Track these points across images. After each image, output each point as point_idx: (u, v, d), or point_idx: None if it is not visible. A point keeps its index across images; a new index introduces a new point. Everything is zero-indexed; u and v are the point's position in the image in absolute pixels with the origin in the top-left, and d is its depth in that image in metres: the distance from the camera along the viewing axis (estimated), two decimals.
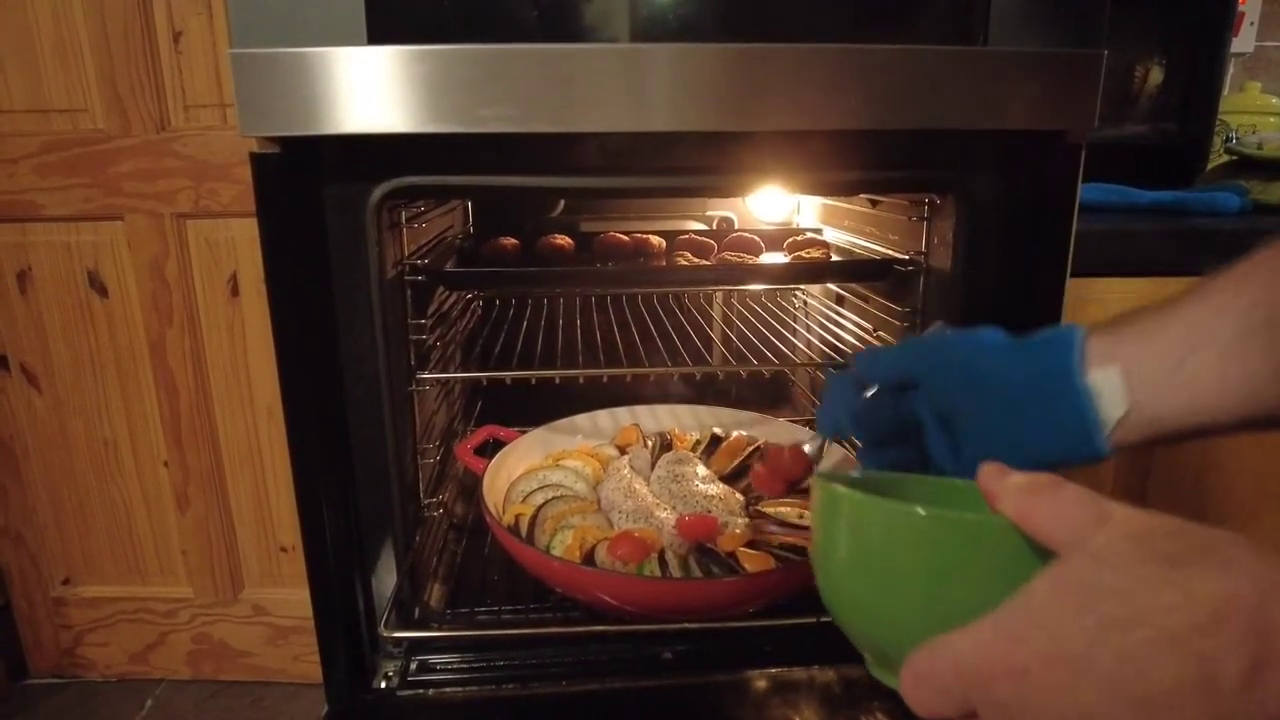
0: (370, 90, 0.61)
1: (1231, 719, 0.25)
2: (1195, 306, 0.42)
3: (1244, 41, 1.48)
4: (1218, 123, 1.23)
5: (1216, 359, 0.40)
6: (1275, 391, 0.40)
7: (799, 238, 1.15)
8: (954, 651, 0.31)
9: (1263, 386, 0.40)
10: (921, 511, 0.34)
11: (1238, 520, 1.01)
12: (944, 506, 0.34)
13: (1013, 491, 0.33)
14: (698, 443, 0.95)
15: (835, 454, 0.83)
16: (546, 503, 0.79)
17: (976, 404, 0.47)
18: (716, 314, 1.36)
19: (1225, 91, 1.28)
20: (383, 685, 0.76)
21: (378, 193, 0.68)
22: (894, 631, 0.36)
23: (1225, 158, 1.28)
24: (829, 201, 1.27)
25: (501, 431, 0.94)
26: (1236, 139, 1.32)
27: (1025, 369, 0.45)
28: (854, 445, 0.51)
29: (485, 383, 1.13)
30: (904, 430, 0.50)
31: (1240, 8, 1.42)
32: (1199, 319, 0.41)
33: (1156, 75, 1.18)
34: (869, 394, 0.50)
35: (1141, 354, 0.42)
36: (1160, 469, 1.00)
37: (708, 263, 1.08)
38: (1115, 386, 0.43)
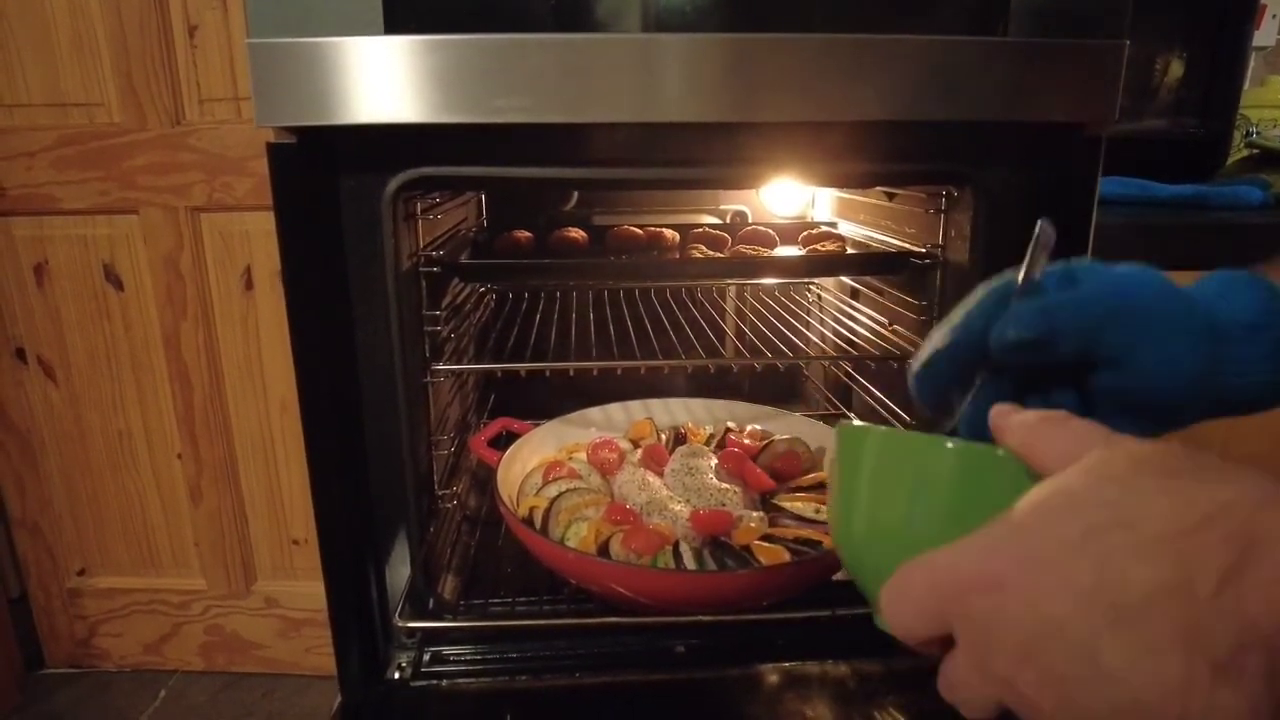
0: (386, 80, 0.61)
1: (1203, 628, 0.23)
2: None
3: (1265, 35, 1.46)
4: (1239, 116, 1.21)
5: None
6: None
7: (814, 231, 1.14)
8: (930, 565, 0.30)
9: None
10: (949, 444, 0.34)
11: None
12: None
13: (1018, 424, 0.32)
14: (711, 436, 0.95)
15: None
16: (560, 495, 0.79)
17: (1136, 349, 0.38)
18: (730, 307, 1.35)
19: (1246, 85, 1.26)
20: (396, 676, 0.76)
21: (393, 184, 0.68)
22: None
23: (1246, 152, 1.26)
24: (844, 194, 1.26)
25: (515, 424, 0.94)
26: (1257, 133, 1.31)
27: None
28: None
29: (499, 375, 1.13)
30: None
31: (1262, 1, 1.40)
32: None
33: (1177, 69, 1.16)
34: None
35: None
36: None
37: (722, 256, 1.08)
38: None
